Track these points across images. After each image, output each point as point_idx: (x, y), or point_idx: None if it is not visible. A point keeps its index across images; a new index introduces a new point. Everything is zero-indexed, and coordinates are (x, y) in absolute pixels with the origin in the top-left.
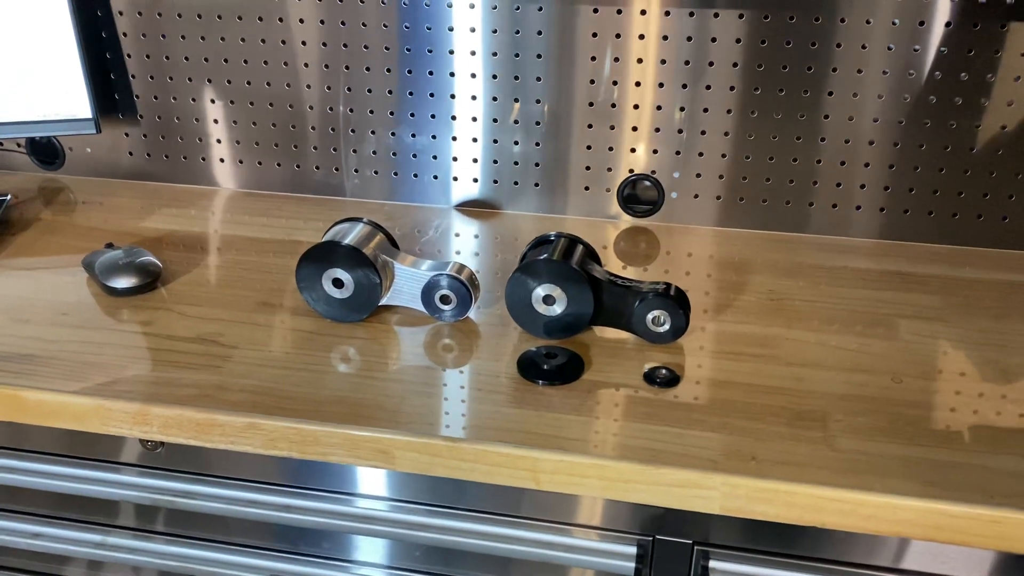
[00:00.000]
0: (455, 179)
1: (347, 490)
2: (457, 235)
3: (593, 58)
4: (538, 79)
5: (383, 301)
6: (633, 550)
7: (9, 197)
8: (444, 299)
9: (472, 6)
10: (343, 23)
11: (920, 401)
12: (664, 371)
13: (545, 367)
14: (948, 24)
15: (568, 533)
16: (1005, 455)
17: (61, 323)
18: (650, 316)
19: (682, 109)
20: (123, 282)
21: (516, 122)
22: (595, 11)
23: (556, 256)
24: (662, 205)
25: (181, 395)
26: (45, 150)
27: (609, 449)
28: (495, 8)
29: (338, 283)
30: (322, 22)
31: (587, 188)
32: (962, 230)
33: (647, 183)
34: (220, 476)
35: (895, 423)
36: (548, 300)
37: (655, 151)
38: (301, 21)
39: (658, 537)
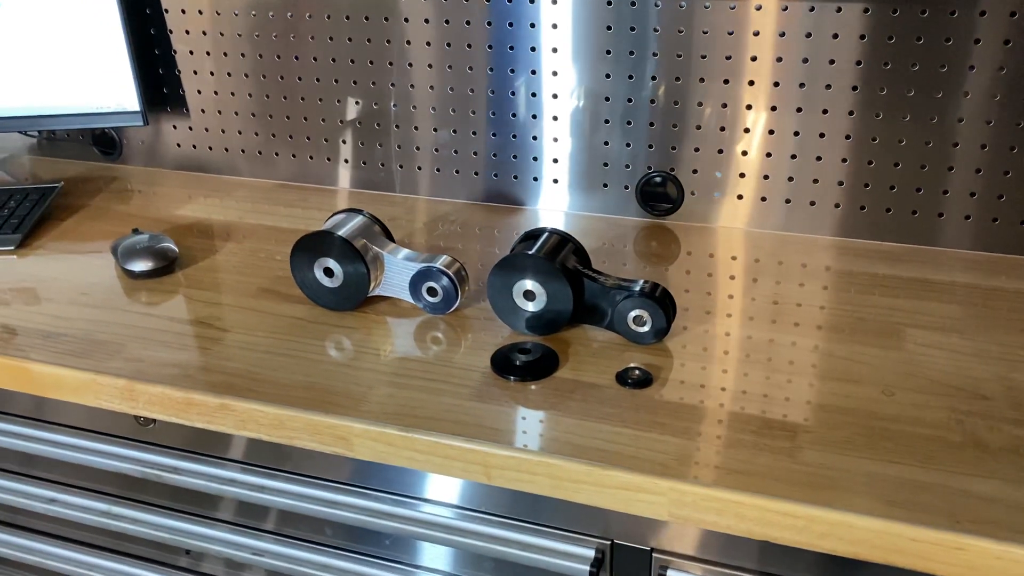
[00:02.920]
0: (495, 175)
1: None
2: (479, 230)
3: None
4: (607, 76)
5: (374, 292)
6: (591, 553)
7: (61, 184)
8: (431, 291)
9: (555, 1)
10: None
11: (907, 416)
12: (638, 372)
13: (517, 363)
14: None
15: (529, 531)
16: (988, 479)
17: (80, 302)
18: (631, 315)
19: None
20: (140, 265)
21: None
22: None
23: (540, 252)
24: (681, 203)
25: (165, 374)
26: (105, 141)
27: (562, 448)
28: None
29: (329, 272)
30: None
31: (622, 186)
32: (1002, 236)
33: (668, 180)
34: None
35: (872, 438)
36: (529, 295)
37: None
38: (409, 20)
39: (616, 542)
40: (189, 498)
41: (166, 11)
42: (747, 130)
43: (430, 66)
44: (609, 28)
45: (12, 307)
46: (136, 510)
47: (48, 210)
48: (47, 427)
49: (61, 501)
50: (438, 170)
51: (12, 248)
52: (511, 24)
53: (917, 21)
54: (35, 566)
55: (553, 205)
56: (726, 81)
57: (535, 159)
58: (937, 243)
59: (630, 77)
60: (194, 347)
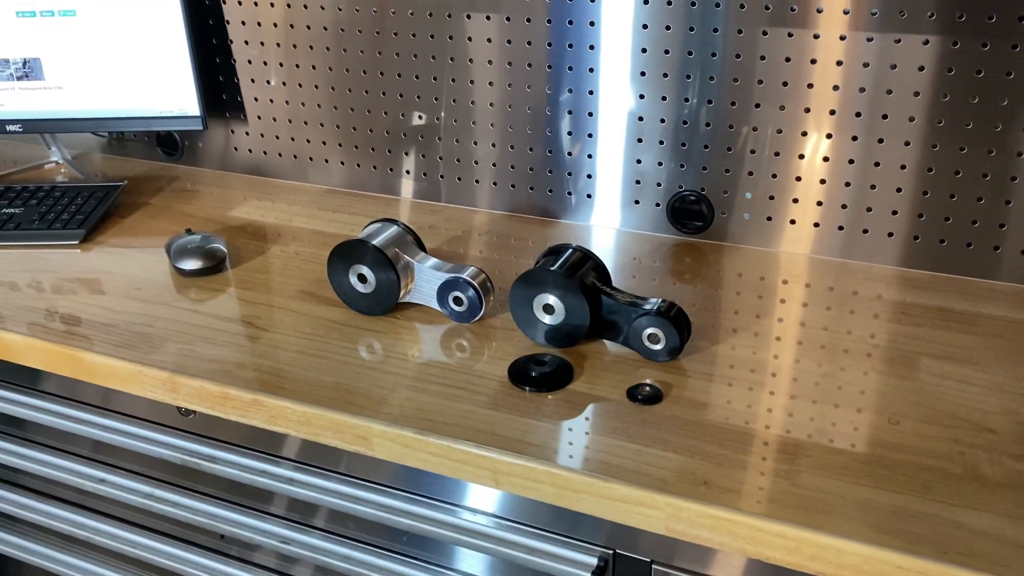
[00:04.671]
0: (530, 188)
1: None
2: (514, 240)
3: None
4: (641, 96)
5: (404, 298)
6: (594, 561)
7: (124, 183)
8: (457, 300)
9: (592, 24)
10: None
11: (909, 446)
12: (648, 388)
13: (533, 374)
14: None
15: (535, 536)
16: (982, 512)
17: (133, 296)
18: (646, 333)
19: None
20: (190, 264)
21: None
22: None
23: (561, 267)
24: (711, 223)
25: (204, 368)
26: (169, 142)
27: (566, 458)
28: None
29: (362, 278)
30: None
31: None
32: None
33: (699, 199)
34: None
35: (871, 465)
36: (548, 309)
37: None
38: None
39: (618, 551)
40: (225, 486)
41: (227, 22)
42: (777, 153)
43: (472, 82)
44: (644, 51)
45: (72, 298)
46: (176, 494)
47: (111, 207)
48: (102, 413)
49: (110, 482)
50: (477, 182)
51: (76, 243)
52: (549, 44)
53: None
54: (84, 540)
55: (586, 219)
56: (757, 105)
57: (569, 174)
58: (992, 276)
59: (663, 98)
60: (234, 344)
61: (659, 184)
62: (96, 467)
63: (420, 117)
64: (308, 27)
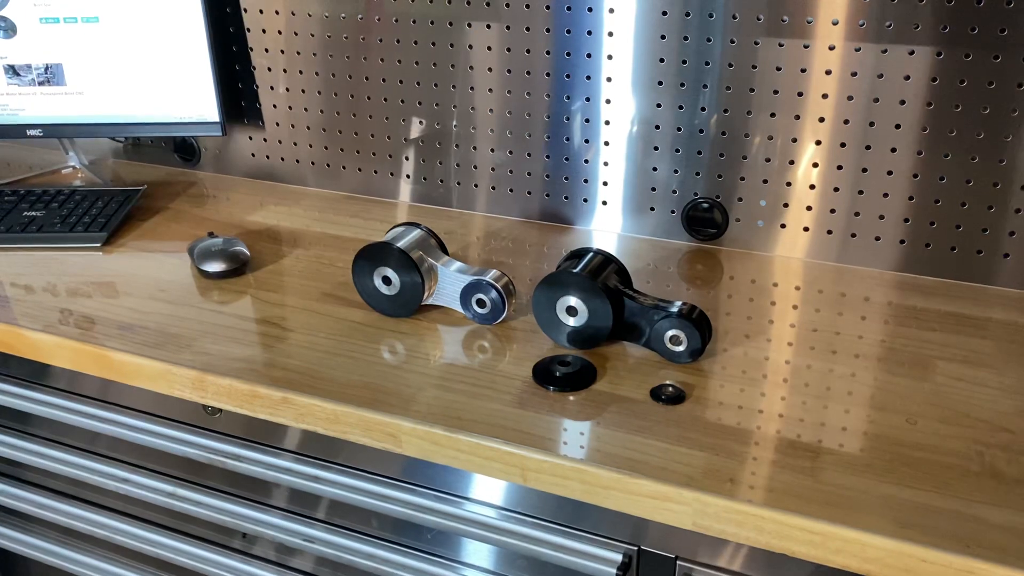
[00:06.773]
0: (546, 195)
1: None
2: (530, 246)
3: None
4: (658, 105)
5: (427, 301)
6: (618, 557)
7: (144, 187)
8: (480, 303)
9: (611, 34)
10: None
11: (928, 444)
12: (671, 388)
13: (557, 374)
14: None
15: (561, 533)
16: (1002, 508)
17: (158, 298)
18: (668, 335)
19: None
20: (214, 266)
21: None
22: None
23: (583, 270)
24: (726, 230)
25: (233, 367)
26: (186, 148)
27: (594, 455)
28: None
29: (387, 281)
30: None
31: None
32: None
33: (714, 206)
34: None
35: (892, 463)
36: (571, 311)
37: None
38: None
39: (643, 548)
40: (248, 484)
41: (248, 30)
42: (792, 162)
43: (490, 90)
44: (662, 60)
45: (97, 299)
46: (198, 493)
47: (131, 211)
48: (125, 412)
49: (133, 481)
50: (493, 188)
51: (98, 245)
52: (568, 54)
53: (990, 66)
54: (103, 540)
55: (602, 226)
56: (772, 115)
57: (586, 181)
58: (1002, 283)
59: (680, 107)
60: (260, 344)
61: (674, 191)
62: (119, 466)
63: (436, 124)
64: (328, 36)
